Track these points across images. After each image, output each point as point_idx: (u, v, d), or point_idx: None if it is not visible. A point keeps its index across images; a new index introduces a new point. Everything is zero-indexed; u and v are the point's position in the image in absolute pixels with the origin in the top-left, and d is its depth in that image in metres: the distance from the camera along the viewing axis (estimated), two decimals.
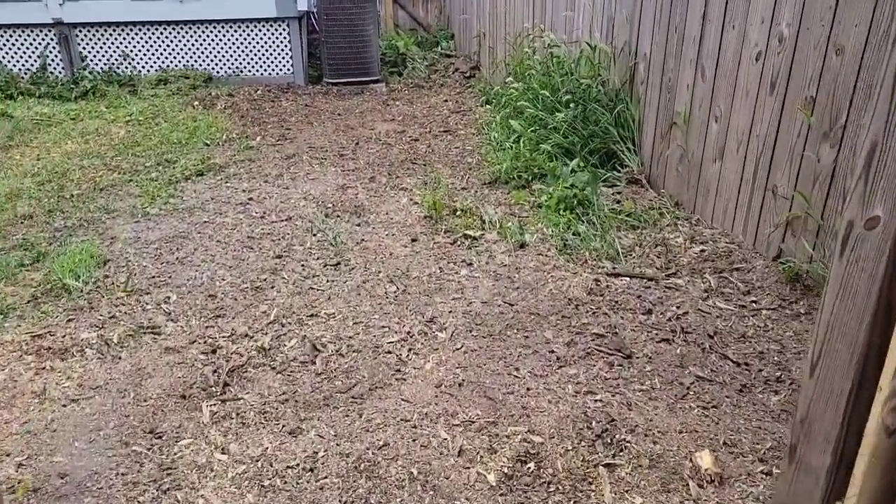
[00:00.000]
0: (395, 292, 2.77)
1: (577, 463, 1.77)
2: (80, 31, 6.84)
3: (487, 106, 6.29)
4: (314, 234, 3.48)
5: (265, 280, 2.89)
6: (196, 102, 6.58)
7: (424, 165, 4.80)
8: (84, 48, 6.92)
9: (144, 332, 2.48)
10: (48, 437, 1.89)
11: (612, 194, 3.78)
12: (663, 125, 3.67)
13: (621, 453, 1.80)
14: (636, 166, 3.91)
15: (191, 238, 3.48)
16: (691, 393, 2.05)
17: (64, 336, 2.45)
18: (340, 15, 7.09)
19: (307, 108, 6.61)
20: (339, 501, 1.65)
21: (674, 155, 3.58)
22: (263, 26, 7.15)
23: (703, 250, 3.00)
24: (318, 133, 5.71)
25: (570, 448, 1.82)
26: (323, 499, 1.66)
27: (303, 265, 3.05)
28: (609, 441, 1.84)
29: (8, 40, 6.74)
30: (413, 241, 3.37)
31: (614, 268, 2.92)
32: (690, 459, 1.77)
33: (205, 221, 3.76)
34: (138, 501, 1.66)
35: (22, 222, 3.74)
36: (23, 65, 6.85)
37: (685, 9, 3.35)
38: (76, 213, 3.85)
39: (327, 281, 2.89)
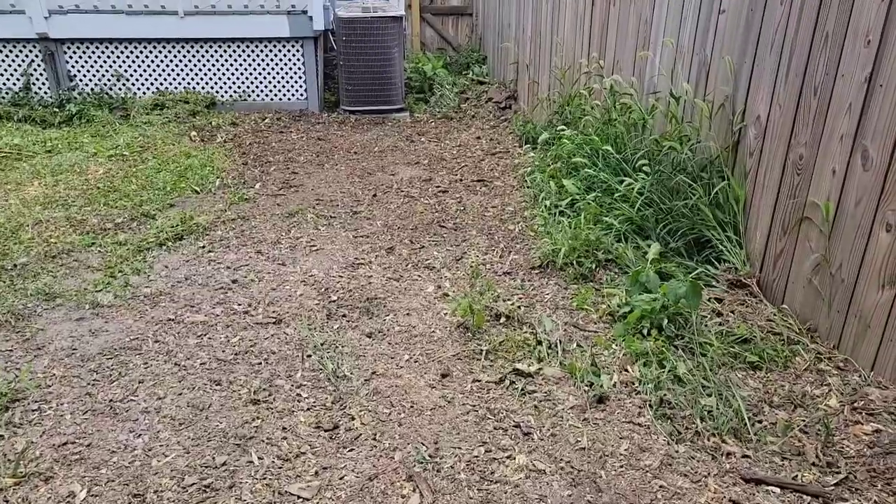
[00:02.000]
0: (417, 479, 1.77)
1: None
2: (69, 48, 5.97)
3: (527, 146, 5.30)
4: (308, 356, 2.50)
5: (224, 466, 1.91)
6: (193, 133, 5.67)
7: (455, 231, 3.83)
8: (73, 66, 6.04)
9: None
10: None
11: (709, 300, 2.76)
12: (787, 217, 2.65)
13: None
14: (740, 264, 2.88)
15: (142, 353, 2.53)
16: None
17: None
18: (361, 35, 6.14)
19: (319, 142, 5.67)
20: None
21: (805, 261, 2.55)
22: (275, 47, 6.23)
23: (877, 431, 1.98)
24: (329, 178, 4.75)
25: None
26: None
27: (285, 429, 2.07)
28: None
29: None
30: (444, 376, 2.38)
31: (749, 466, 1.90)
32: None
33: (169, 319, 2.81)
34: None
35: None
36: (3, 83, 5.99)
37: (835, 61, 2.33)
38: (7, 299, 2.92)
39: (318, 467, 1.91)
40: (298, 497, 1.76)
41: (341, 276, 3.23)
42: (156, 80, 6.19)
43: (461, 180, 4.77)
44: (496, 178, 4.78)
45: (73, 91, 6.04)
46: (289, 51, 6.25)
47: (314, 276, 3.24)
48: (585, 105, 4.27)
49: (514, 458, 1.93)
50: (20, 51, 5.90)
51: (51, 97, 6.00)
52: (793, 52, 2.56)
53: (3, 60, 5.92)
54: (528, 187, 4.39)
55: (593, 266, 3.15)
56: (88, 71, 6.09)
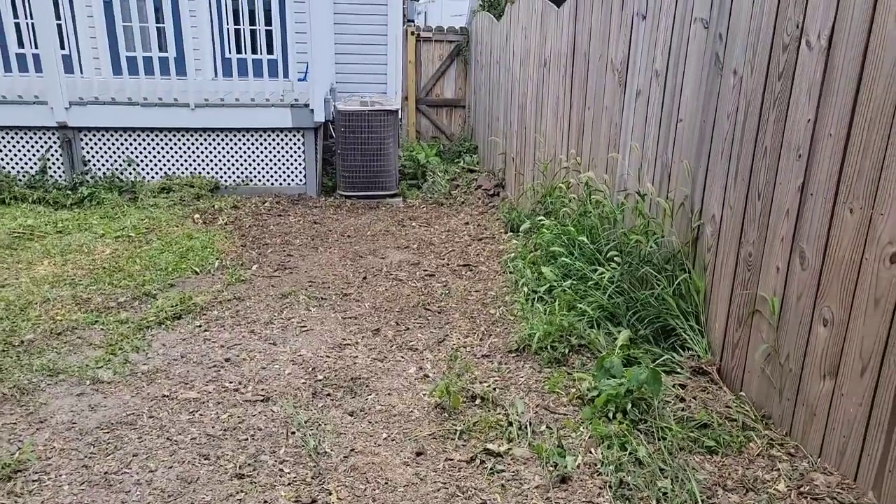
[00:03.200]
0: None
1: None
2: (85, 136, 6.40)
3: (511, 233, 5.61)
4: (293, 433, 2.66)
5: None
6: (197, 215, 5.99)
7: (439, 314, 4.05)
8: (87, 152, 6.45)
9: None
10: None
11: (673, 386, 2.95)
12: (741, 309, 2.89)
13: None
14: (702, 351, 3.09)
15: (138, 427, 2.68)
16: None
17: None
18: (359, 128, 6.60)
19: (315, 225, 5.98)
20: None
21: (757, 351, 2.77)
22: (278, 136, 6.68)
23: None
24: (322, 261, 5.02)
25: None
26: None
27: (266, 503, 2.21)
28: None
29: (8, 143, 6.30)
30: (418, 454, 2.53)
31: None
32: None
33: (164, 395, 2.97)
34: None
35: None
36: (21, 167, 6.38)
37: (773, 170, 2.64)
38: (13, 374, 3.09)
39: None
40: None
41: (328, 356, 3.42)
42: (164, 165, 6.59)
43: (448, 265, 5.03)
44: (481, 263, 5.04)
45: (86, 175, 6.43)
46: (291, 140, 6.69)
47: (303, 355, 3.43)
48: (564, 197, 4.60)
49: None
50: (40, 138, 6.32)
51: (64, 180, 6.37)
52: (739, 160, 2.88)
53: (24, 146, 6.33)
54: (510, 273, 4.65)
55: (566, 351, 3.35)
56: (102, 156, 6.49)
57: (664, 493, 2.25)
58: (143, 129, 6.44)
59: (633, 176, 3.85)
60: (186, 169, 6.65)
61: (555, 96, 5.26)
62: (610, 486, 2.31)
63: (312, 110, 6.50)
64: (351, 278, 4.67)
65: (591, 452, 2.52)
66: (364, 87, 8.34)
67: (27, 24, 6.15)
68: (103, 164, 6.50)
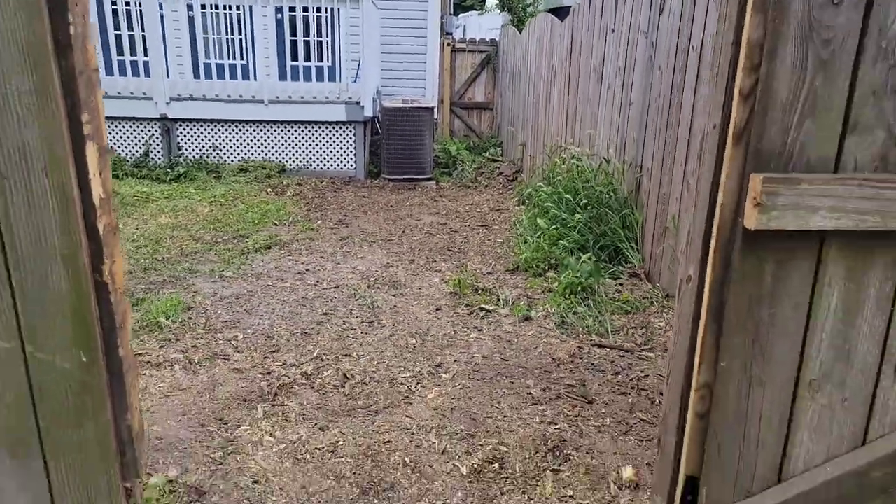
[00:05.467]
0: (414, 344, 3.51)
1: (531, 466, 2.40)
2: (180, 126, 8.28)
3: (522, 206, 7.17)
4: (356, 300, 4.29)
5: (313, 329, 3.69)
6: (269, 189, 7.76)
7: (459, 253, 5.64)
8: (181, 139, 8.33)
9: (218, 358, 3.29)
10: (148, 417, 2.66)
11: (615, 285, 4.47)
12: (659, 229, 4.40)
13: (566, 463, 2.42)
14: (637, 262, 4.61)
15: (256, 296, 4.36)
16: (633, 430, 2.65)
17: (158, 356, 3.29)
18: (400, 122, 8.31)
19: (364, 199, 7.68)
20: (351, 472, 2.33)
21: (666, 254, 4.28)
22: (334, 128, 8.43)
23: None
24: (370, 221, 6.69)
25: (527, 456, 2.46)
26: (339, 470, 2.35)
27: (344, 321, 3.85)
28: (558, 454, 2.46)
29: (121, 130, 8.22)
30: (437, 309, 4.13)
31: (600, 340, 3.58)
32: (616, 471, 2.37)
33: (268, 285, 4.65)
34: (210, 458, 2.39)
35: (123, 276, 4.73)
36: (130, 150, 8.29)
37: (674, 137, 4.18)
38: (166, 272, 4.82)
39: (362, 332, 3.67)
40: (353, 338, 3.51)
41: (377, 271, 5.05)
42: (242, 150, 8.41)
43: (469, 225, 6.64)
44: (495, 224, 6.64)
45: (180, 157, 8.29)
46: (344, 131, 8.44)
47: (359, 269, 5.07)
48: (559, 169, 6.17)
49: (469, 335, 3.64)
50: (145, 127, 8.23)
51: (163, 161, 8.25)
52: (659, 129, 4.42)
53: (133, 133, 8.25)
54: (515, 229, 6.22)
55: (546, 267, 4.91)
56: (193, 142, 8.35)
57: (588, 326, 3.79)
58: (225, 121, 8.28)
59: (602, 147, 5.41)
60: (259, 154, 8.46)
61: (558, 93, 6.85)
62: (555, 323, 3.86)
63: (363, 106, 8.23)
64: (393, 231, 6.31)
65: (547, 310, 4.08)
66: (405, 90, 10.07)
67: (140, 35, 8.08)
68: (194, 149, 8.36)
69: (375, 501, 2.21)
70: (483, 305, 4.16)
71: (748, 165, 1.55)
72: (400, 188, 8.37)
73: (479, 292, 4.48)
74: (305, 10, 8.59)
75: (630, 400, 2.90)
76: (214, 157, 8.41)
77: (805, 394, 1.67)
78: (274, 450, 2.47)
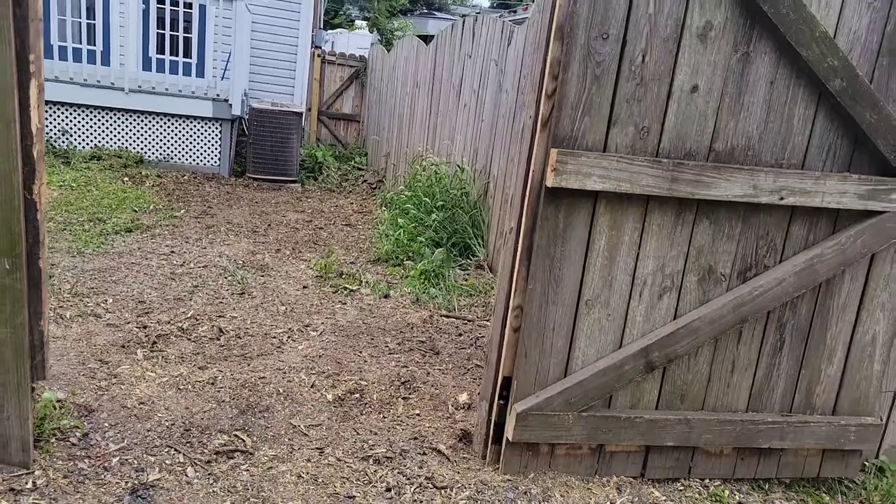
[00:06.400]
0: (284, 311, 3.91)
1: (386, 396, 2.93)
2: None
3: (384, 209, 7.75)
4: (226, 277, 4.57)
5: (184, 296, 3.95)
6: (126, 178, 7.65)
7: (324, 246, 6.06)
8: None
9: (89, 316, 3.46)
10: None
11: (463, 275, 5.16)
12: (502, 227, 5.17)
13: (414, 393, 2.97)
14: (483, 256, 5.35)
15: (121, 271, 4.48)
16: (470, 372, 3.28)
17: None
18: (269, 124, 8.58)
19: (229, 194, 7.83)
20: (230, 398, 2.71)
21: (504, 248, 5.04)
22: (199, 123, 8.49)
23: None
24: (236, 213, 6.89)
25: (383, 389, 2.98)
26: (219, 396, 2.71)
27: (215, 292, 4.14)
28: (409, 387, 3.01)
29: None
30: (304, 287, 4.54)
31: (447, 312, 4.21)
32: (454, 398, 2.96)
33: (133, 262, 4.77)
34: (96, 386, 2.64)
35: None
36: None
37: (516, 147, 4.98)
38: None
39: (234, 301, 3.99)
40: (226, 304, 3.83)
41: (245, 256, 5.34)
42: (95, 137, 8.18)
43: (333, 224, 7.08)
44: (359, 224, 7.14)
45: None
46: (210, 127, 8.52)
47: (226, 254, 5.32)
48: (420, 176, 6.83)
49: (335, 306, 4.11)
50: None
51: None
52: (504, 141, 5.21)
53: None
54: (378, 228, 6.77)
55: (404, 259, 5.49)
56: None
57: (438, 304, 4.41)
58: (78, 105, 8.03)
59: (458, 157, 6.15)
60: (115, 143, 8.28)
61: (421, 108, 7.56)
62: (411, 301, 4.44)
63: (231, 104, 8.39)
64: (258, 224, 6.58)
65: (404, 291, 4.65)
66: (274, 95, 10.29)
67: None
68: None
69: (252, 419, 2.61)
70: (347, 286, 4.64)
71: (550, 144, 2.23)
72: (265, 188, 8.59)
73: (343, 276, 4.94)
74: (175, 4, 8.62)
75: (468, 352, 3.53)
76: (63, 141, 8.10)
77: (584, 311, 2.37)
78: (157, 382, 2.77)
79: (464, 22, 6.49)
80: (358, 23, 26.62)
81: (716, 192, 2.30)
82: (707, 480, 2.63)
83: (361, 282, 4.79)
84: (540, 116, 2.28)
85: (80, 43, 8.09)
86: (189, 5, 8.67)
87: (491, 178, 5.46)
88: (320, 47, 12.75)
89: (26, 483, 2.00)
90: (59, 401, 2.43)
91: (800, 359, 2.62)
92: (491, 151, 5.50)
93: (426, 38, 9.82)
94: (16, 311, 1.99)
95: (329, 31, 23.14)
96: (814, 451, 2.72)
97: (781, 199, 2.36)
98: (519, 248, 2.39)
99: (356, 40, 20.77)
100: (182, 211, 6.63)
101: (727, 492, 2.58)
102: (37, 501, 1.94)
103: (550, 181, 2.20)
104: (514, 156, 5.04)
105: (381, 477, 2.35)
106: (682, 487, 2.57)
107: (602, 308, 2.38)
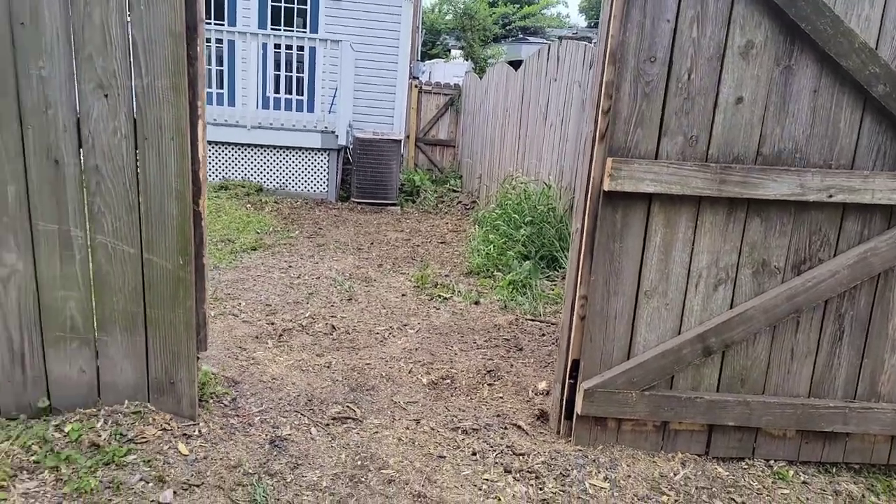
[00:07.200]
0: (385, 313, 4.45)
1: (473, 382, 3.35)
2: None
3: (476, 226, 8.23)
4: (335, 287, 5.20)
5: (302, 301, 4.59)
6: (248, 205, 8.63)
7: (420, 261, 6.62)
8: None
9: (228, 315, 4.15)
10: None
11: (550, 285, 5.51)
12: None
13: (498, 380, 3.38)
14: None
15: (250, 281, 5.22)
16: (549, 366, 3.64)
17: None
18: (371, 151, 9.36)
19: (336, 217, 8.63)
20: (343, 378, 3.24)
21: None
22: (309, 154, 9.41)
23: None
24: (342, 234, 7.63)
25: (471, 376, 3.41)
26: (334, 377, 3.25)
27: (327, 298, 4.76)
28: (494, 375, 3.42)
29: None
30: (403, 295, 5.08)
31: (532, 317, 4.59)
32: (535, 385, 3.34)
33: (258, 275, 5.52)
34: (238, 365, 3.26)
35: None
36: None
37: (581, 157, 5.30)
38: None
39: (343, 305, 4.58)
40: (336, 307, 4.42)
41: (351, 270, 5.98)
42: (223, 170, 9.28)
43: (430, 241, 7.64)
44: (453, 242, 7.66)
45: None
46: (319, 157, 9.42)
47: (335, 268, 5.99)
48: (510, 194, 7.27)
49: (429, 310, 4.60)
50: None
51: None
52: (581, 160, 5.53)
53: None
54: (471, 243, 7.25)
55: (493, 271, 5.93)
56: None
57: (524, 309, 4.79)
58: (210, 143, 9.16)
59: (545, 175, 6.54)
60: (239, 174, 9.34)
61: (511, 130, 8.03)
62: (499, 307, 4.85)
63: (337, 135, 9.26)
64: (363, 243, 7.26)
65: (493, 298, 5.07)
66: (375, 125, 11.16)
67: None
68: None
69: (361, 395, 3.12)
70: (441, 294, 5.13)
71: (606, 154, 2.61)
72: (368, 210, 9.35)
73: (438, 286, 5.44)
74: (289, 48, 9.66)
75: (549, 349, 3.89)
76: None
77: (643, 300, 2.70)
78: (284, 364, 3.36)
79: (549, 48, 6.92)
80: (454, 52, 27.75)
81: (763, 192, 2.57)
82: (772, 461, 2.83)
83: (454, 291, 5.26)
84: (598, 130, 2.66)
85: (211, 87, 9.27)
86: (301, 48, 9.68)
87: (576, 192, 5.80)
88: (417, 77, 13.59)
89: (194, 431, 2.59)
90: (213, 373, 3.05)
91: (861, 348, 2.79)
92: (575, 168, 5.84)
93: (518, 63, 10.33)
94: (187, 297, 2.61)
95: (426, 62, 24.32)
96: (882, 437, 2.86)
97: (830, 196, 2.59)
98: (582, 245, 2.76)
99: (452, 69, 21.74)
100: (296, 232, 7.43)
101: (791, 472, 2.78)
102: (203, 444, 2.52)
103: (607, 185, 2.57)
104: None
105: (468, 444, 2.77)
106: (745, 466, 2.80)
107: (660, 298, 2.69)
